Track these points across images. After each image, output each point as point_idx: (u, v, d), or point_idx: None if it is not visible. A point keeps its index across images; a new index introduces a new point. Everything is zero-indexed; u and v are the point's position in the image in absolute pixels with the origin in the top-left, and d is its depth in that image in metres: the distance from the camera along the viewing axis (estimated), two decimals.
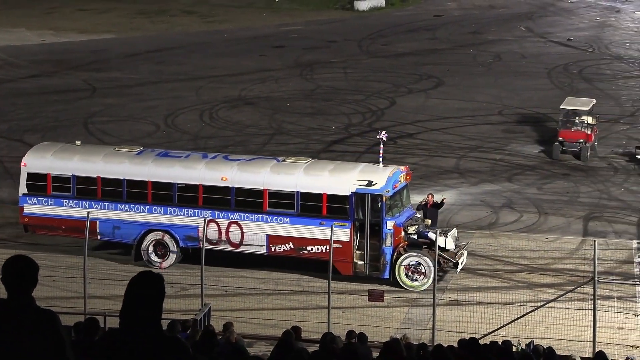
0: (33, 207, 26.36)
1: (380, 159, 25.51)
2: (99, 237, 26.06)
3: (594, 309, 20.67)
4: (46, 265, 22.52)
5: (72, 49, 53.89)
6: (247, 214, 25.02)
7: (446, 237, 24.77)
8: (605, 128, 36.89)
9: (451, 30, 55.67)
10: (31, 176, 26.48)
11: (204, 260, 22.14)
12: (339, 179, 24.88)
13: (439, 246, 23.81)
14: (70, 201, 26.06)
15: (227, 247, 25.13)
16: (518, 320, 21.68)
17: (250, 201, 25.11)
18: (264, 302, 24.22)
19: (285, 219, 24.72)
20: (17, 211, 26.98)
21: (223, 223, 25.12)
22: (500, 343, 16.99)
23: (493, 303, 23.70)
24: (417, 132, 37.88)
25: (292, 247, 24.79)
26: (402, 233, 24.64)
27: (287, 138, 37.52)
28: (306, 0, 64.93)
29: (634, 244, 27.43)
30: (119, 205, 25.78)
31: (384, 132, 26.09)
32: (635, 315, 23.47)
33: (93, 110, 41.34)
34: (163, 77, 46.93)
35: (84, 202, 25.84)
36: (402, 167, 25.88)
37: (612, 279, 24.64)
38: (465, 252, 24.94)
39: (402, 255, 24.37)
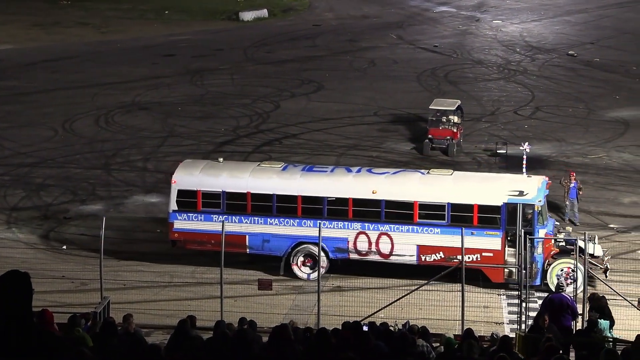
0: (183, 223, 25.19)
1: (524, 169, 25.20)
2: (247, 250, 25.13)
3: (462, 291, 21.14)
4: None
5: None
6: (397, 225, 24.27)
7: (595, 243, 24.27)
8: (469, 126, 37.72)
9: (329, 38, 55.97)
10: (181, 193, 25.35)
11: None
12: (490, 190, 24.29)
13: (588, 252, 23.44)
14: (220, 216, 24.81)
15: (376, 258, 24.38)
16: (395, 303, 22.03)
17: (400, 213, 24.41)
18: (160, 294, 23.98)
19: (436, 229, 24.00)
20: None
21: (373, 235, 24.42)
22: (379, 324, 17.24)
23: (372, 288, 24.04)
24: (300, 132, 38.02)
25: (443, 256, 23.96)
26: (552, 241, 24.18)
27: (179, 140, 37.16)
28: (194, 12, 64.32)
29: None
30: (268, 219, 24.88)
31: (527, 143, 25.85)
32: (498, 295, 24.12)
33: None
34: (60, 84, 45.84)
35: (233, 217, 24.86)
36: (546, 177, 25.42)
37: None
38: (608, 257, 24.45)
39: (553, 262, 23.85)
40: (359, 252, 24.53)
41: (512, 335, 18.88)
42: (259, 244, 24.98)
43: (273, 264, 25.25)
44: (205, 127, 38.58)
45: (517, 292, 22.31)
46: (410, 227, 24.15)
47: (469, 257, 23.30)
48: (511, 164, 33.19)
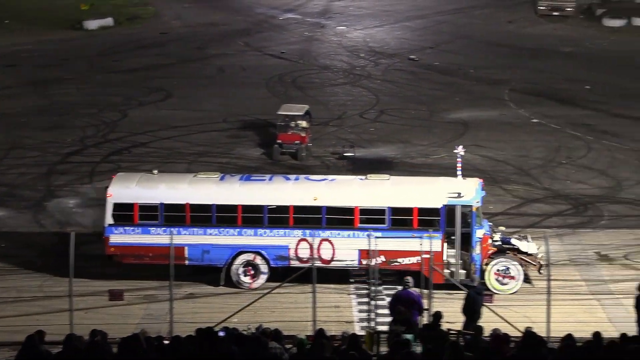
0: (120, 237, 24.38)
1: (459, 172, 25.37)
2: (187, 262, 24.25)
3: (314, 292, 21.42)
4: None
5: None
6: (338, 231, 24.15)
7: (528, 242, 24.53)
8: (318, 130, 38.24)
9: (177, 46, 55.55)
10: (117, 206, 24.46)
11: None
12: (429, 193, 24.31)
13: (523, 251, 23.94)
14: (158, 229, 24.26)
15: (317, 264, 23.51)
16: (248, 307, 22.13)
17: (341, 218, 24.24)
18: (7, 310, 23.25)
19: (376, 233, 23.66)
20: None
21: (314, 241, 24.01)
22: (231, 329, 17.32)
23: (224, 294, 24.12)
24: (149, 141, 37.60)
25: (384, 260, 23.80)
26: (490, 240, 24.22)
27: (24, 152, 36.09)
28: (36, 20, 62.48)
29: None
30: (207, 229, 24.24)
31: (461, 146, 25.97)
32: (347, 294, 24.59)
33: None
34: None
35: (172, 229, 23.84)
36: (480, 179, 25.57)
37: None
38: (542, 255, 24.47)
39: (490, 262, 23.99)
40: (300, 259, 24.49)
41: (363, 332, 19.32)
42: (199, 255, 24.61)
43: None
44: (51, 138, 37.63)
45: (366, 291, 22.82)
46: (352, 232, 24.32)
47: (409, 260, 23.76)
48: (358, 166, 33.92)
